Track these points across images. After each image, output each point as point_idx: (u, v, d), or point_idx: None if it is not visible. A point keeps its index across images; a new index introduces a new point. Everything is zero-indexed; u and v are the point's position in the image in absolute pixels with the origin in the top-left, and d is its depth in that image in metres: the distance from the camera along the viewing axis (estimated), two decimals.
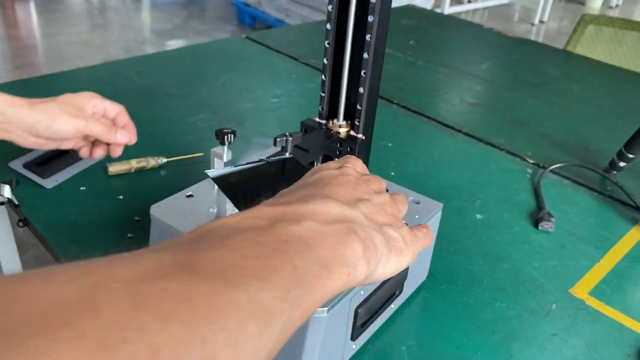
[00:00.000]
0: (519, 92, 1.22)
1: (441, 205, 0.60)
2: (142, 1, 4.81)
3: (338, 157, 0.54)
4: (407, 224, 0.39)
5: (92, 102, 0.68)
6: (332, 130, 0.56)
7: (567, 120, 1.10)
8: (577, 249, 0.73)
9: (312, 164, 0.56)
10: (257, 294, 0.22)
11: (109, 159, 0.76)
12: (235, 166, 0.48)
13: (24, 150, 0.77)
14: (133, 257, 0.21)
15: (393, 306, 0.58)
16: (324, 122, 0.58)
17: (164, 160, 0.81)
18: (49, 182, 0.75)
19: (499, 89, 1.24)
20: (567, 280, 0.67)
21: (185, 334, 0.18)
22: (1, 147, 0.71)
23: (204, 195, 0.58)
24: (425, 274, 0.64)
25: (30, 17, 4.18)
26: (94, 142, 0.71)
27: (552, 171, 0.90)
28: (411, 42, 1.47)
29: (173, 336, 0.18)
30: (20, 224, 0.71)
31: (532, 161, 0.93)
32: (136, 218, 0.70)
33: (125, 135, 0.70)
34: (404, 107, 1.09)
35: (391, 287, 0.54)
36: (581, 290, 0.66)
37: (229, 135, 0.53)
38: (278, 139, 0.49)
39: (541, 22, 4.81)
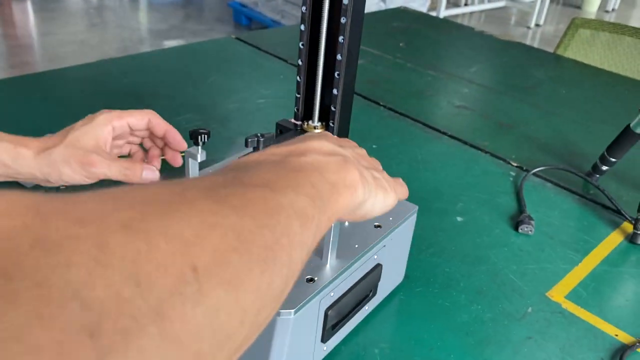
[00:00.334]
0: (506, 95, 1.22)
1: (416, 207, 0.60)
2: (139, 1, 4.81)
3: None
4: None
5: (108, 129, 0.57)
6: (306, 131, 0.56)
7: (553, 123, 1.10)
8: (556, 252, 0.73)
9: None
10: (295, 200, 0.26)
11: None
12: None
13: None
14: (194, 179, 0.25)
15: (367, 308, 0.58)
16: (299, 123, 0.58)
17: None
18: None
19: (487, 92, 1.24)
20: (545, 283, 0.67)
21: (255, 223, 0.22)
22: None
23: None
24: (402, 275, 0.64)
25: (27, 16, 4.17)
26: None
27: (535, 174, 0.90)
28: (401, 45, 1.47)
29: (247, 224, 0.22)
30: None
31: (515, 164, 0.93)
32: None
33: (151, 172, 0.58)
34: (390, 109, 1.09)
35: (364, 290, 0.54)
36: (558, 293, 0.66)
37: (203, 135, 0.53)
38: (249, 140, 0.49)
39: (537, 25, 4.82)
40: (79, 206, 0.17)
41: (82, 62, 1.19)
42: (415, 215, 0.60)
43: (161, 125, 0.61)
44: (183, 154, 0.82)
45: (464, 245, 0.72)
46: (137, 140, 0.63)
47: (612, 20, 5.12)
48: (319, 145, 0.34)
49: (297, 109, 0.57)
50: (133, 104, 1.01)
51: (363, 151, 0.43)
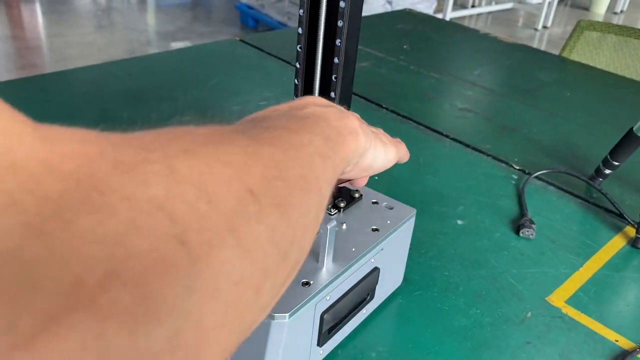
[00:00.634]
0: (510, 98, 1.22)
1: (414, 210, 0.59)
2: (147, 3, 4.83)
3: None
4: None
5: None
6: None
7: (557, 126, 1.10)
8: (557, 256, 0.73)
9: None
10: (312, 139, 0.28)
11: None
12: None
13: None
14: (219, 126, 0.25)
15: (365, 311, 0.58)
16: None
17: None
18: None
19: (490, 95, 1.23)
20: (545, 288, 0.67)
21: (287, 155, 0.24)
22: None
23: None
24: (400, 279, 0.64)
25: (36, 18, 4.20)
26: None
27: (537, 177, 0.89)
28: (405, 47, 1.46)
29: (281, 156, 0.23)
30: None
31: (517, 167, 0.93)
32: None
33: None
34: (393, 111, 1.09)
35: (360, 293, 0.54)
36: (558, 298, 0.66)
37: None
38: None
39: (544, 27, 4.80)
40: (138, 139, 0.18)
41: (90, 64, 1.20)
42: (413, 219, 0.60)
43: None
44: None
45: (463, 249, 0.72)
46: None
47: (620, 22, 5.09)
48: (316, 99, 0.37)
49: None
50: (136, 105, 1.01)
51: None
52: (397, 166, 0.90)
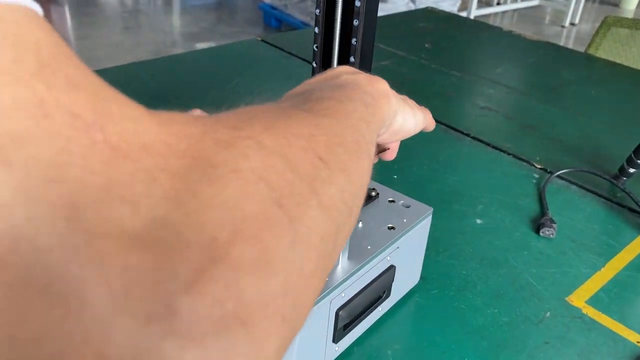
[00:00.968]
0: (532, 96, 1.20)
1: (431, 209, 0.59)
2: (173, 4, 4.90)
3: None
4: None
5: None
6: None
7: (580, 125, 1.08)
8: (578, 256, 0.72)
9: None
10: (355, 107, 0.29)
11: None
12: None
13: None
14: (273, 104, 0.27)
15: (381, 309, 0.58)
16: None
17: None
18: None
19: (512, 93, 1.22)
20: (565, 288, 0.66)
21: (340, 124, 0.26)
22: None
23: None
24: (417, 277, 0.64)
25: (64, 20, 4.29)
26: None
27: (559, 176, 0.88)
28: (427, 45, 1.46)
29: (336, 125, 0.25)
30: None
31: (539, 166, 0.92)
32: None
33: None
34: None
35: (376, 291, 0.54)
36: (578, 298, 0.65)
37: None
38: None
39: (572, 24, 4.72)
40: (225, 120, 0.21)
41: (116, 65, 1.22)
42: (430, 217, 0.60)
43: None
44: None
45: (482, 248, 0.72)
46: None
47: None
48: (345, 67, 0.38)
49: None
50: (158, 106, 1.03)
51: None
52: (416, 165, 0.90)
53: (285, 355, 0.46)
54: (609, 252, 0.73)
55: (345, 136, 0.25)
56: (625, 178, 0.86)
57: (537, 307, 0.63)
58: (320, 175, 0.21)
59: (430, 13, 1.76)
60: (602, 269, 0.70)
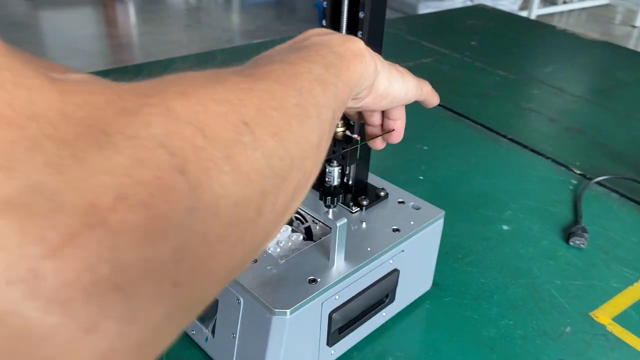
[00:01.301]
0: (581, 98, 1.14)
1: (443, 212, 0.57)
2: (232, 2, 4.98)
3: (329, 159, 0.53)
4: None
5: None
6: None
7: (631, 129, 1.01)
8: (610, 269, 0.67)
9: None
10: (310, 68, 0.28)
11: None
12: None
13: None
14: (216, 70, 0.27)
15: (384, 314, 0.56)
16: None
17: None
18: None
19: (559, 94, 1.16)
20: (590, 302, 0.62)
21: (283, 87, 0.25)
22: None
23: None
24: (429, 283, 0.61)
25: (128, 17, 4.45)
26: None
27: (598, 183, 0.83)
28: (472, 43, 1.41)
29: (276, 88, 0.25)
30: None
31: (578, 172, 0.86)
32: None
33: None
34: (448, 109, 1.05)
35: (376, 295, 0.52)
36: (604, 314, 0.60)
37: None
38: None
39: None
40: (140, 87, 0.21)
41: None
42: (441, 221, 0.57)
43: None
44: None
45: (505, 256, 0.68)
46: None
47: None
48: (319, 30, 0.36)
49: None
50: None
51: None
52: (444, 165, 0.86)
53: (271, 357, 0.44)
54: None
55: (286, 99, 0.25)
56: None
57: (557, 321, 0.59)
58: (241, 140, 0.21)
59: (480, 10, 1.70)
60: (636, 284, 0.65)
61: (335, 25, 0.52)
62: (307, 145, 0.25)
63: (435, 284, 0.62)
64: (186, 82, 0.22)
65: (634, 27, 4.45)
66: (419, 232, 0.54)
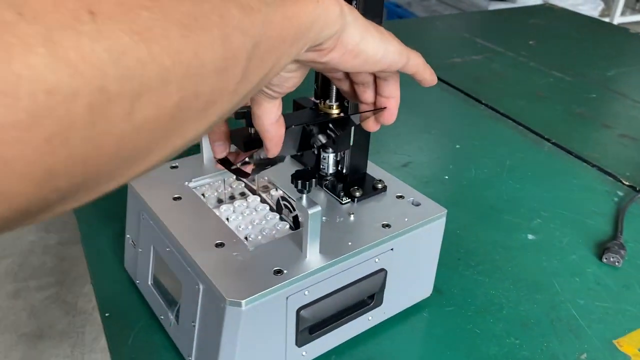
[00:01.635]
0: None
1: (444, 211, 0.51)
2: None
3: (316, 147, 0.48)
4: None
5: None
6: (322, 110, 0.50)
7: None
8: None
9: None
10: None
11: None
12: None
13: None
14: None
15: (370, 318, 0.50)
16: (317, 101, 0.52)
17: None
18: None
19: (618, 99, 1.05)
20: (616, 328, 0.54)
21: None
22: None
23: (189, 167, 0.56)
24: (429, 289, 0.55)
25: None
26: None
27: None
28: (530, 43, 1.31)
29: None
30: None
31: (627, 183, 0.77)
32: None
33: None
34: (491, 108, 0.97)
35: (357, 295, 0.47)
36: (631, 343, 0.52)
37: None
38: (238, 112, 0.45)
39: None
40: None
41: None
42: (443, 220, 0.51)
43: None
44: None
45: (524, 268, 0.61)
46: None
47: None
48: None
49: (316, 87, 0.51)
50: None
51: None
52: (475, 167, 0.79)
53: (226, 350, 0.40)
54: None
55: (172, 5, 0.21)
56: None
57: (572, 346, 0.51)
58: (76, 27, 0.18)
59: (546, 10, 1.59)
60: None
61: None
62: (195, 63, 0.22)
63: (438, 290, 0.57)
64: None
65: None
66: (414, 230, 0.49)
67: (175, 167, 0.55)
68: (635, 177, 0.78)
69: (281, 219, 0.52)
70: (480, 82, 1.07)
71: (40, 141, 0.18)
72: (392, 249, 0.48)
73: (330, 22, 0.31)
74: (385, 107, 0.43)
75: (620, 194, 0.75)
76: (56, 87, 0.17)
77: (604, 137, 0.90)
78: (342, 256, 0.44)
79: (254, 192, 0.56)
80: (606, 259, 0.62)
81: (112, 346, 0.50)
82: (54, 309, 1.48)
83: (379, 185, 0.52)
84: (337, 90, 0.49)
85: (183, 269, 0.45)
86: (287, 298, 0.42)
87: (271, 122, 0.38)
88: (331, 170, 0.54)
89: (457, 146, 0.85)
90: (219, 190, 0.56)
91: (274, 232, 0.50)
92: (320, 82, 0.50)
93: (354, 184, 0.52)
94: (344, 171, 0.53)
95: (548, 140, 0.88)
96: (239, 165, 0.45)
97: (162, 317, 0.50)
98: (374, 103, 0.43)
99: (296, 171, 0.43)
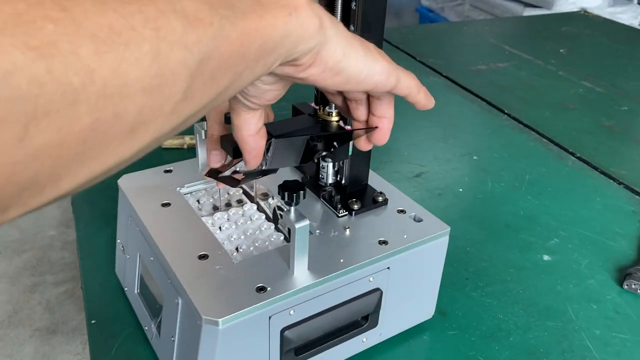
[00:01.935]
0: None
1: (448, 228, 0.47)
2: None
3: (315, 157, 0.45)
4: None
5: None
6: (320, 117, 0.47)
7: None
8: None
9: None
10: (177, 1, 0.22)
11: None
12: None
13: None
14: None
15: (365, 340, 0.47)
16: (317, 107, 0.49)
17: None
18: None
19: None
20: None
21: (97, 5, 0.19)
22: None
23: (182, 172, 0.53)
24: (431, 310, 0.52)
25: None
26: None
27: None
28: (561, 51, 1.26)
29: (84, 2, 0.19)
30: None
31: None
32: None
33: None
34: (514, 118, 0.93)
35: (348, 316, 0.44)
36: None
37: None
38: (228, 116, 0.43)
39: None
40: None
41: None
42: (446, 238, 0.48)
43: None
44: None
45: (537, 291, 0.57)
46: None
47: None
48: None
49: (316, 92, 0.49)
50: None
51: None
52: (492, 179, 0.75)
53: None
54: None
55: (87, 18, 0.19)
56: None
57: None
58: None
59: (580, 17, 1.53)
60: None
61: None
62: (114, 82, 0.19)
63: (442, 312, 0.53)
64: None
65: None
66: (413, 248, 0.45)
67: (169, 170, 0.53)
68: None
69: (277, 229, 0.49)
70: (505, 90, 1.02)
71: None
72: (388, 268, 0.45)
73: (307, 37, 0.28)
74: (376, 127, 0.40)
75: None
76: None
77: (633, 153, 0.85)
78: (333, 274, 0.41)
79: (252, 200, 0.54)
80: (627, 285, 0.57)
81: (94, 356, 0.48)
82: (69, 305, 1.49)
83: (380, 198, 0.49)
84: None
85: (164, 281, 0.43)
86: (269, 317, 0.39)
87: (250, 134, 0.35)
88: (330, 180, 0.51)
89: (475, 157, 0.81)
90: (215, 197, 0.54)
91: (267, 243, 0.47)
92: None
93: (353, 195, 0.49)
94: (343, 182, 0.50)
95: (572, 154, 0.83)
96: (228, 173, 0.42)
97: (147, 327, 0.48)
98: (367, 121, 0.41)
99: (284, 182, 0.40)
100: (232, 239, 0.48)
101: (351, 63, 0.31)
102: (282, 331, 0.41)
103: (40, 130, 0.18)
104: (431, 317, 0.52)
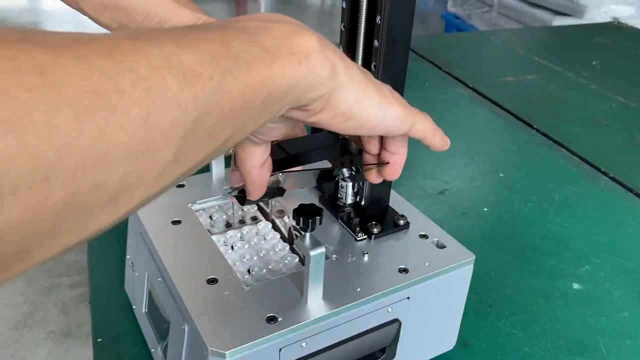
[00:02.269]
0: None
1: (472, 257, 0.44)
2: None
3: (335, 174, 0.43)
4: None
5: None
6: (340, 136, 0.45)
7: None
8: None
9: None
10: (174, 54, 0.21)
11: None
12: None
13: None
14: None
15: None
16: None
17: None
18: None
19: None
20: None
21: (81, 64, 0.18)
22: None
23: (196, 187, 0.51)
24: (452, 341, 0.49)
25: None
26: None
27: None
28: (594, 63, 1.22)
29: (65, 63, 0.18)
30: None
31: None
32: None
33: None
34: (543, 134, 0.89)
35: (365, 348, 0.41)
36: None
37: None
38: None
39: None
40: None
41: None
42: (470, 267, 0.45)
43: None
44: None
45: (566, 323, 0.54)
46: None
47: None
48: (269, 14, 0.27)
49: None
50: None
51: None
52: (519, 199, 0.72)
53: None
54: None
55: (69, 81, 0.17)
56: None
57: None
58: None
59: (614, 28, 1.48)
60: None
61: (353, 29, 0.42)
62: (95, 151, 0.18)
63: (463, 342, 0.50)
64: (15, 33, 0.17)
65: None
66: (435, 277, 0.43)
67: (182, 185, 0.51)
68: None
69: (292, 250, 0.47)
70: (534, 104, 0.99)
71: None
72: (408, 298, 0.42)
73: (318, 84, 0.26)
74: (388, 162, 0.37)
75: None
76: None
77: None
78: (349, 304, 0.39)
79: (266, 217, 0.51)
80: None
81: None
82: (84, 308, 1.48)
83: (401, 222, 0.46)
84: None
85: (171, 304, 0.40)
86: (280, 349, 0.37)
87: (253, 167, 0.33)
88: (349, 200, 0.48)
89: (501, 175, 0.78)
90: (229, 213, 0.51)
91: (281, 265, 0.45)
92: None
93: (373, 218, 0.47)
94: (363, 203, 0.48)
95: (605, 174, 0.79)
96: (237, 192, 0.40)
97: (153, 350, 0.46)
98: (379, 154, 0.38)
99: (299, 205, 0.38)
100: (245, 259, 0.45)
101: (364, 109, 0.30)
102: None
103: (5, 208, 0.16)
104: (452, 348, 0.49)
